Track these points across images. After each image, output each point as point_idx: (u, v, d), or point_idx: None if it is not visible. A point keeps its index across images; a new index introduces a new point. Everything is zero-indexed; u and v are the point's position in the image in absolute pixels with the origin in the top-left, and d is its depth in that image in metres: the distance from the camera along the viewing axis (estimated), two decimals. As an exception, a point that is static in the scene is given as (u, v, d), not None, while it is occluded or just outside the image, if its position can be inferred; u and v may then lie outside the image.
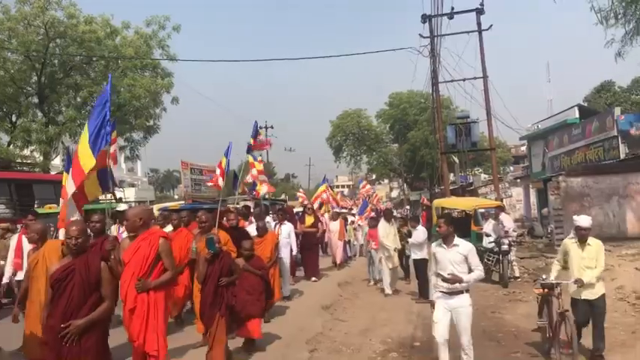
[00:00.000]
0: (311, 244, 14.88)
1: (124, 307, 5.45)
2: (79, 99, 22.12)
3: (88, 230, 6.03)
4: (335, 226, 18.02)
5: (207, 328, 6.53)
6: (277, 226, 12.32)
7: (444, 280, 5.95)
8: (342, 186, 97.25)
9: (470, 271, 6.02)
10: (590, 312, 6.68)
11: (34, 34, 19.59)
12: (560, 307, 6.43)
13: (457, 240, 6.17)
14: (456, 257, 6.06)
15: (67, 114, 21.12)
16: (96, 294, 4.61)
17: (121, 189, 22.62)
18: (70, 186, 7.51)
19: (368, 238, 14.58)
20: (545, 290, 6.90)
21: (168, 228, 9.59)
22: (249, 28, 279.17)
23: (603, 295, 6.78)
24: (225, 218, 9.48)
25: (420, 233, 11.80)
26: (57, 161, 24.29)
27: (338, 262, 17.53)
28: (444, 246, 6.17)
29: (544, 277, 7.03)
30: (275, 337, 8.33)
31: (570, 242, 6.97)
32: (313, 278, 14.44)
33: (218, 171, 10.32)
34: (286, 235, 12.00)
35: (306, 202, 18.75)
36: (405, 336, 8.53)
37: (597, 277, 6.67)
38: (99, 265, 4.68)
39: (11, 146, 20.30)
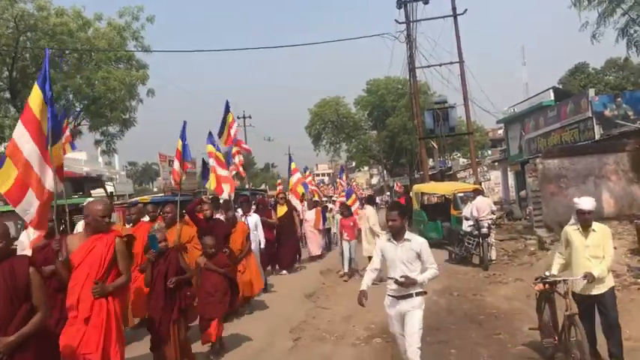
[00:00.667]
0: (285, 236, 14.22)
1: (72, 316, 4.76)
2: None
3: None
4: (310, 215, 17.26)
5: (161, 339, 5.92)
6: (243, 217, 11.40)
7: (397, 282, 5.26)
8: (322, 174, 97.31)
9: (423, 270, 5.36)
10: (597, 310, 5.78)
11: (4, 27, 19.17)
12: (569, 309, 5.57)
13: (408, 234, 5.43)
14: (408, 254, 5.32)
15: (40, 108, 20.74)
16: (27, 304, 4.03)
17: (110, 183, 22.32)
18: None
19: (340, 229, 13.82)
20: (546, 286, 5.98)
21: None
22: (226, 17, 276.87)
23: (612, 289, 5.84)
24: (199, 209, 9.17)
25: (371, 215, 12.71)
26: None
27: (313, 253, 16.82)
28: (394, 242, 5.40)
29: (547, 273, 6.02)
30: (259, 326, 8.35)
31: (572, 229, 5.97)
32: (283, 271, 13.96)
33: (176, 162, 9.10)
34: (253, 227, 11.10)
35: (279, 192, 17.75)
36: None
37: (608, 269, 5.74)
38: (27, 270, 4.07)
39: (-17, 143, 19.92)
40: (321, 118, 50.51)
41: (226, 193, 10.66)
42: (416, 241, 5.38)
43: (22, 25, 19.28)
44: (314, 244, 17.06)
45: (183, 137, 8.90)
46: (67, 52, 21.09)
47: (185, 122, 8.97)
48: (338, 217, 15.30)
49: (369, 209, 13.14)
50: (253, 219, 11.54)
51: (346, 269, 13.19)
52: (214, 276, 7.10)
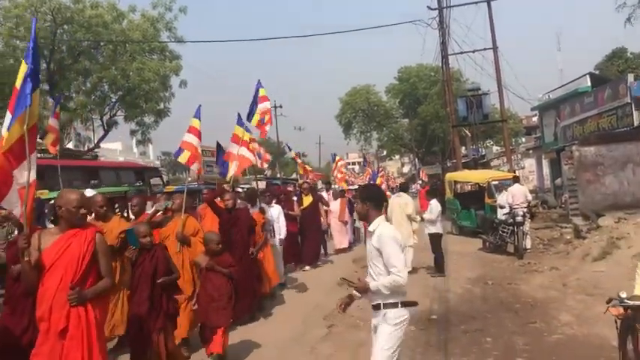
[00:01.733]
0: (308, 228, 13.17)
1: (43, 329, 3.93)
2: (88, 84, 22.20)
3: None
4: (335, 206, 15.74)
5: (144, 352, 5.21)
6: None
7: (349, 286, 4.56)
8: (353, 163, 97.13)
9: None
10: None
11: (42, 20, 19.58)
12: None
13: (377, 222, 4.27)
14: (371, 250, 4.26)
15: (77, 100, 21.23)
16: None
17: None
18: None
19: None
20: (628, 311, 4.24)
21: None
22: (255, 7, 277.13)
23: None
24: (220, 199, 8.40)
25: (433, 207, 11.69)
26: (70, 146, 24.43)
27: (338, 246, 15.55)
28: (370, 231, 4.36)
29: (622, 294, 4.20)
30: (292, 315, 8.43)
31: None
32: (306, 267, 12.92)
33: (193, 139, 8.04)
34: (275, 218, 10.54)
35: (302, 181, 16.24)
36: (421, 309, 8.53)
37: None
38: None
39: (24, 134, 20.44)
40: (351, 107, 50.35)
41: (233, 170, 9.45)
42: (377, 234, 4.19)
43: (59, 17, 19.68)
44: (339, 236, 15.78)
45: (198, 115, 8.20)
46: (102, 43, 21.46)
47: (200, 105, 8.34)
48: None
49: (406, 196, 12.16)
50: (275, 210, 10.81)
51: None
52: (218, 277, 6.09)
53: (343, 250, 15.44)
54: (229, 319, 6.13)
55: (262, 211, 9.42)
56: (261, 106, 9.81)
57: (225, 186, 8.20)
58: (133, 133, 24.85)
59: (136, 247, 5.49)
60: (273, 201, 11.53)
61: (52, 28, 19.79)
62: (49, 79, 20.99)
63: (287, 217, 11.47)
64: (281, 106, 52.93)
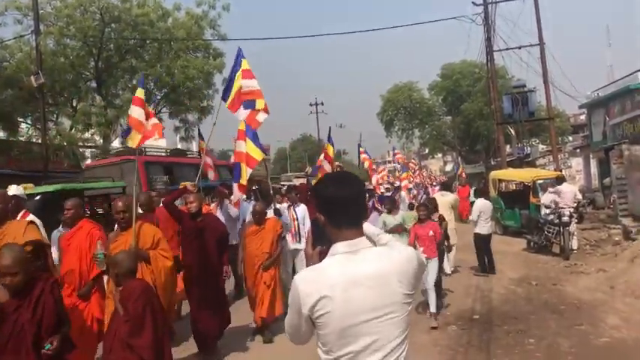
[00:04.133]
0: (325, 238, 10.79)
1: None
2: (134, 82, 22.69)
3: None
4: None
5: None
6: (291, 208, 9.47)
7: None
8: (394, 161, 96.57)
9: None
10: None
11: (91, 19, 20.11)
12: None
13: (340, 247, 2.52)
14: None
15: (123, 97, 21.71)
16: None
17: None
18: None
19: (413, 240, 8.00)
20: None
21: None
22: (298, 3, 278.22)
23: None
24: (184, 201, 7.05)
25: (478, 207, 11.34)
26: (116, 143, 25.04)
27: None
28: None
29: None
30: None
31: None
32: None
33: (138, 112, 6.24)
34: (301, 220, 9.30)
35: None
36: (464, 309, 8.48)
37: None
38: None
39: (73, 130, 21.05)
40: (393, 104, 49.96)
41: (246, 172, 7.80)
42: None
43: (107, 16, 20.18)
44: None
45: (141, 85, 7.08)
46: (147, 42, 21.89)
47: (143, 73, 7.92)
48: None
49: (450, 195, 12.07)
50: (301, 211, 9.41)
51: (433, 309, 7.72)
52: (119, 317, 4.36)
53: None
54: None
55: (277, 213, 8.29)
56: (245, 84, 7.08)
57: (189, 185, 6.39)
58: (177, 129, 25.27)
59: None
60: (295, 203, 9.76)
61: (100, 27, 20.29)
62: (97, 76, 21.54)
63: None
64: (322, 103, 52.99)
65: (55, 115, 21.76)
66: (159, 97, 23.54)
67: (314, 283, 2.06)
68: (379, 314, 2.05)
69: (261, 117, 7.01)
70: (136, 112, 6.15)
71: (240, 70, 7.12)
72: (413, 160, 36.85)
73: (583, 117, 37.66)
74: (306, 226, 9.15)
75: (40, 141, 19.14)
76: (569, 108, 44.48)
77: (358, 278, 2.05)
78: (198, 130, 15.59)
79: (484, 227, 11.26)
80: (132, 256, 4.70)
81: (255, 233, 7.36)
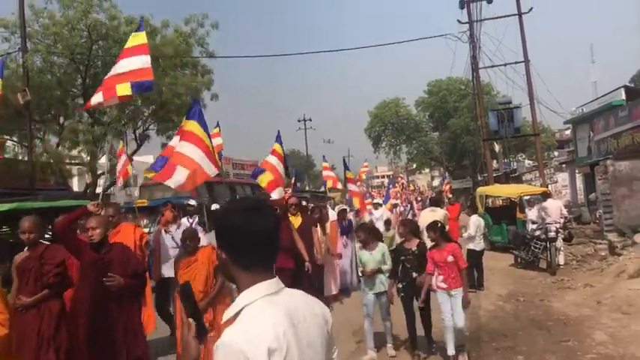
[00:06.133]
0: (298, 264, 8.46)
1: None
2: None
3: None
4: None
5: None
6: None
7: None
8: (382, 176, 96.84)
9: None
10: None
11: (78, 37, 20.07)
12: None
13: (243, 299, 2.13)
14: None
15: (111, 114, 21.61)
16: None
17: None
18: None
19: (431, 269, 6.79)
20: None
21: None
22: (283, 22, 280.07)
23: None
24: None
25: (473, 223, 11.15)
26: (103, 160, 24.91)
27: (325, 293, 10.16)
28: None
29: None
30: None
31: None
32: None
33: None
34: None
35: (288, 194, 10.22)
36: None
37: None
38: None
39: (60, 147, 20.91)
40: (380, 120, 50.37)
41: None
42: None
43: (95, 34, 20.15)
44: (329, 276, 10.57)
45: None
46: (136, 59, 21.87)
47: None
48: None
49: (440, 211, 11.66)
50: None
51: (451, 352, 6.49)
52: None
53: (332, 298, 10.48)
54: None
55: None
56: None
57: (90, 205, 5.08)
58: (164, 146, 25.19)
59: None
60: None
61: (87, 44, 20.28)
62: (85, 93, 21.47)
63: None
64: (310, 119, 53.28)
65: (41, 133, 21.64)
66: (146, 114, 23.49)
67: (255, 338, 1.61)
68: (327, 355, 1.87)
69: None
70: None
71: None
72: (401, 175, 36.97)
73: (568, 133, 38.10)
74: None
75: (26, 158, 19.02)
76: (554, 124, 45.14)
77: (298, 318, 1.75)
78: None
79: (479, 243, 11.24)
80: None
81: (187, 267, 5.88)
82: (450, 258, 6.52)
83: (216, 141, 10.92)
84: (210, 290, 5.78)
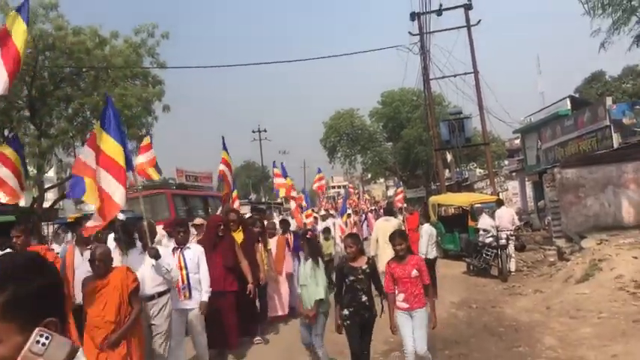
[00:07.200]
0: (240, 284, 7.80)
1: None
2: (70, 110, 22.01)
3: None
4: (273, 247, 9.86)
5: None
6: (177, 251, 6.92)
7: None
8: (338, 187, 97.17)
9: None
10: None
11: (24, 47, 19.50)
12: None
13: None
14: None
15: (58, 126, 21.03)
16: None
17: None
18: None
19: (390, 285, 6.12)
20: None
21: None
22: (236, 32, 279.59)
23: None
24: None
25: (425, 233, 11.09)
26: (50, 173, 24.20)
27: (271, 313, 9.64)
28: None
29: None
30: (275, 348, 8.26)
31: None
32: (257, 338, 8.57)
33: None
34: (191, 266, 6.83)
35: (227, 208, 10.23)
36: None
37: None
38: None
39: (4, 161, 20.21)
40: (335, 131, 50.56)
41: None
42: None
43: (41, 44, 19.61)
44: (273, 296, 9.75)
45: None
46: (83, 70, 21.38)
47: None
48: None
49: (395, 221, 11.17)
50: (192, 254, 6.93)
51: None
52: None
53: (278, 319, 9.83)
54: None
55: (154, 255, 5.76)
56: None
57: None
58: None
59: None
60: (192, 237, 8.06)
61: (33, 55, 19.69)
62: (30, 105, 20.83)
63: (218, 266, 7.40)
64: (265, 130, 53.09)
65: (-16, 146, 20.88)
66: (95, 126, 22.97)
67: None
68: None
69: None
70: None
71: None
72: (351, 185, 36.95)
73: (518, 142, 39.05)
74: (201, 274, 6.79)
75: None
76: (504, 133, 46.15)
77: None
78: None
79: (432, 252, 11.21)
80: None
81: (96, 292, 5.10)
82: (415, 272, 5.75)
83: (148, 155, 11.64)
84: (124, 320, 5.07)
